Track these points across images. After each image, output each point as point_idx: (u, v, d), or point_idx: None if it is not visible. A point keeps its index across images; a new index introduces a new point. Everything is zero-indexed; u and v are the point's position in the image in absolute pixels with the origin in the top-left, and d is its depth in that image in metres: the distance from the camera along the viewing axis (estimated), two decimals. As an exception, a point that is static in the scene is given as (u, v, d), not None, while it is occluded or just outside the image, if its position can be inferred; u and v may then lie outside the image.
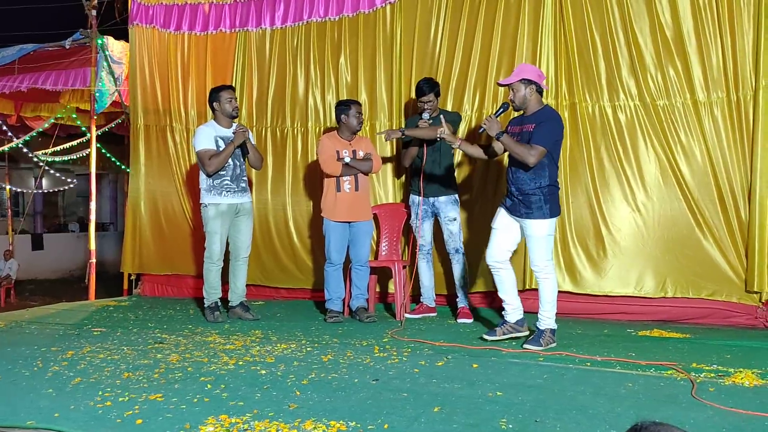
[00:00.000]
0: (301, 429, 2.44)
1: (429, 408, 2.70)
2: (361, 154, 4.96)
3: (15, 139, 10.76)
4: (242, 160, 5.00)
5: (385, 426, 2.48)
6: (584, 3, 5.13)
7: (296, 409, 2.68)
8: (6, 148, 10.90)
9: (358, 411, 2.66)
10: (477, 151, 4.36)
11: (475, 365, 3.47)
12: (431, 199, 4.98)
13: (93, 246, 7.28)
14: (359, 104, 5.08)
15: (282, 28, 6.10)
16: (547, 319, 3.97)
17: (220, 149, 4.83)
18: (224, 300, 5.18)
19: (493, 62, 5.39)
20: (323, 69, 5.97)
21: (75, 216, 20.46)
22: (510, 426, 2.48)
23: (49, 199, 19.94)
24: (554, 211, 3.96)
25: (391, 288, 5.61)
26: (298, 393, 2.93)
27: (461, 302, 4.97)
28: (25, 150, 11.00)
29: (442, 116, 4.64)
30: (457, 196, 5.02)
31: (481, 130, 4.07)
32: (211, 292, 5.02)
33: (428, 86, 4.87)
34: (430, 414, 2.62)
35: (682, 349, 3.90)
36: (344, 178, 4.93)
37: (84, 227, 18.87)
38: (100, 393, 2.90)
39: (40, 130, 10.37)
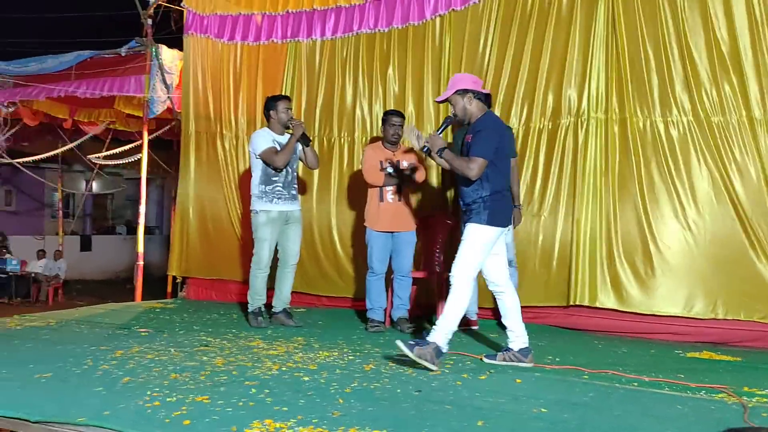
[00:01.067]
0: (345, 437, 2.45)
1: (473, 421, 2.67)
2: (404, 164, 4.98)
3: (69, 143, 11.12)
4: (294, 167, 5.07)
5: (429, 437, 2.47)
6: (638, 16, 5.06)
7: (340, 417, 2.69)
8: (60, 150, 11.25)
9: (401, 421, 2.65)
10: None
11: (518, 380, 3.42)
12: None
13: (141, 249, 7.45)
14: (401, 116, 5.01)
15: (332, 39, 6.18)
16: (436, 333, 3.69)
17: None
18: (267, 305, 5.23)
19: (542, 75, 5.36)
20: (371, 80, 6.02)
21: (123, 219, 20.98)
22: (556, 444, 2.44)
23: (99, 201, 20.49)
24: (493, 220, 3.73)
25: (432, 300, 5.59)
26: (341, 401, 2.94)
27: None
28: (79, 153, 11.36)
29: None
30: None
31: (425, 150, 3.91)
32: (256, 298, 5.08)
33: None
34: (474, 428, 2.60)
35: (733, 372, 3.79)
36: (387, 188, 4.95)
37: (131, 230, 19.34)
38: (149, 393, 2.96)
39: (93, 134, 10.69)
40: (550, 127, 5.34)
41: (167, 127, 9.75)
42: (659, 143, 5.00)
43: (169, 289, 7.81)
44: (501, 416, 2.76)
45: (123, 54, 8.25)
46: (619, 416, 2.82)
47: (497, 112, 5.49)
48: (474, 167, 3.70)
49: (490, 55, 5.58)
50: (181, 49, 7.32)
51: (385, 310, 5.09)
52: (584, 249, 5.11)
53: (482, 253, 3.77)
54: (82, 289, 14.41)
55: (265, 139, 4.96)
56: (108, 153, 10.36)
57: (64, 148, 11.06)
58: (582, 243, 5.12)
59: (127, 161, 10.34)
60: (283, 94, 5.62)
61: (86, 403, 2.78)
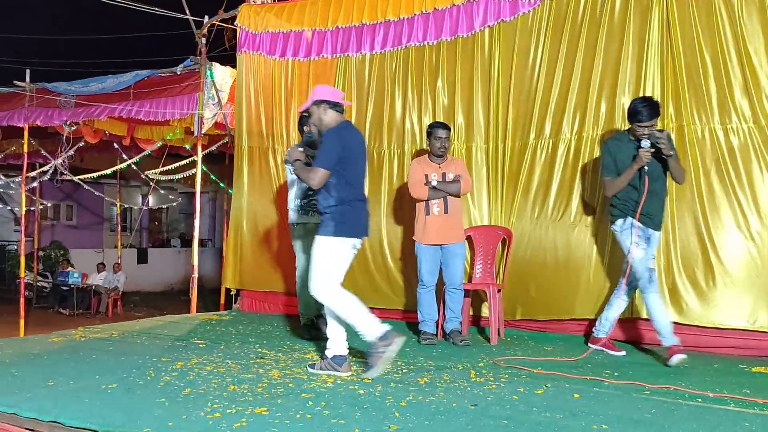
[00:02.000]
0: (403, 451, 2.45)
1: (531, 437, 2.64)
2: (450, 176, 4.97)
3: (127, 159, 11.51)
4: None
5: (487, 453, 2.45)
6: (694, 23, 4.94)
7: (397, 431, 2.69)
8: (121, 167, 11.63)
9: (458, 436, 2.64)
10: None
11: (576, 395, 3.36)
12: (649, 231, 4.43)
13: (196, 261, 7.63)
14: (446, 128, 5.05)
15: (381, 53, 6.23)
16: (333, 344, 3.79)
17: None
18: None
19: (594, 84, 5.29)
20: (420, 92, 6.04)
21: (177, 232, 21.54)
22: (618, 461, 2.39)
23: (154, 215, 21.08)
24: (341, 231, 3.75)
25: (485, 311, 5.55)
26: (397, 414, 2.94)
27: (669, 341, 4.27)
28: (136, 169, 11.73)
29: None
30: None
31: (286, 162, 4.00)
32: (309, 310, 5.13)
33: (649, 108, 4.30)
34: (532, 444, 2.57)
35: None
36: (433, 202, 4.97)
37: (185, 243, 19.84)
38: (209, 404, 3.03)
39: (150, 151, 11.03)
40: (603, 137, 5.25)
41: (221, 143, 10.01)
42: (719, 151, 4.87)
43: (222, 300, 7.97)
44: (560, 432, 2.72)
45: (178, 72, 8.51)
46: (684, 434, 2.74)
47: (548, 122, 5.45)
48: (314, 177, 3.75)
49: (540, 65, 5.53)
50: (233, 66, 7.50)
51: (437, 322, 5.07)
52: (640, 260, 4.99)
53: (336, 264, 3.79)
54: (140, 301, 14.84)
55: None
56: (164, 168, 10.66)
57: (124, 164, 11.45)
58: (639, 254, 4.99)
59: (182, 176, 10.61)
60: None
61: (151, 413, 2.87)
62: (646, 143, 4.26)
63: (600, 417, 2.94)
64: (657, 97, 5.04)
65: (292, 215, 5.13)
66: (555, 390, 3.48)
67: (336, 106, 3.94)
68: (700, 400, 3.33)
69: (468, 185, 5.06)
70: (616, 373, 3.90)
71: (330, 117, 3.92)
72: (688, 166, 4.95)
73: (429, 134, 5.10)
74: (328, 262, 3.79)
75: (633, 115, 4.36)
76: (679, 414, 3.06)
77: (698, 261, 4.88)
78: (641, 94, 5.10)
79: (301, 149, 4.01)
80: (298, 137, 6.59)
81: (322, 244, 3.79)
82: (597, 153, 5.26)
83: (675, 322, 4.85)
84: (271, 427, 2.70)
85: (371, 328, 3.76)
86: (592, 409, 3.10)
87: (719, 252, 4.79)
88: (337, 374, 3.75)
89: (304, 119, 5.17)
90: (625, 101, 5.17)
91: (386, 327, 3.78)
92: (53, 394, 3.22)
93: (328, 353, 3.86)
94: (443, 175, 4.98)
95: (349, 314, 3.78)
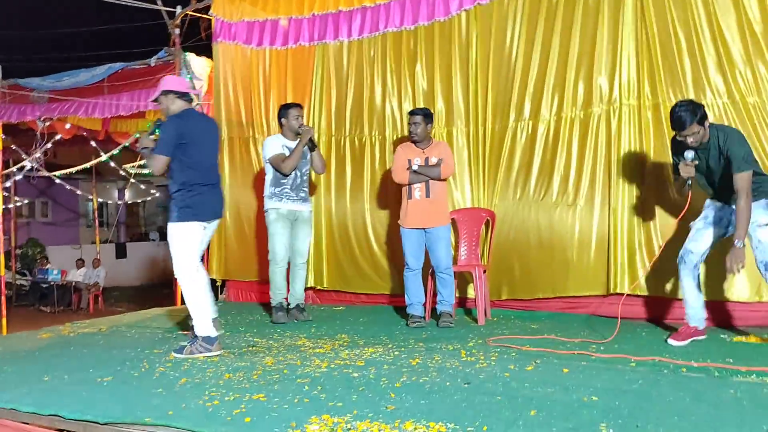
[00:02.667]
0: (402, 429, 2.51)
1: (525, 411, 2.71)
2: (433, 160, 5.01)
3: (102, 154, 11.37)
4: (304, 171, 5.31)
5: (484, 428, 2.52)
6: (666, 1, 5.03)
7: (394, 411, 2.75)
8: (95, 162, 11.50)
9: (454, 413, 2.70)
10: None
11: (565, 370, 3.45)
12: (731, 206, 4.10)
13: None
14: (420, 113, 5.07)
15: (359, 39, 6.24)
16: (197, 327, 3.94)
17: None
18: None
19: (572, 65, 5.35)
20: (400, 78, 6.07)
21: (155, 225, 21.37)
22: (611, 430, 2.47)
23: (131, 209, 20.89)
24: (183, 216, 3.92)
25: (471, 292, 5.64)
26: (393, 395, 3.00)
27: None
28: (113, 164, 11.60)
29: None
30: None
31: (140, 149, 4.14)
32: (277, 293, 5.32)
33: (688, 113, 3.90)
34: (527, 417, 2.65)
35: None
36: (414, 186, 5.02)
37: (163, 236, 19.69)
38: (206, 392, 3.06)
39: (126, 144, 10.91)
40: (582, 116, 5.33)
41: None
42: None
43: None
44: (552, 405, 2.80)
45: (152, 64, 8.43)
46: (672, 402, 2.84)
47: (527, 104, 5.52)
48: (153, 164, 3.92)
49: (517, 47, 5.58)
50: (210, 56, 7.45)
51: (425, 305, 5.14)
52: (622, 237, 5.10)
53: (187, 247, 3.95)
54: (120, 296, 14.74)
55: (274, 145, 5.30)
56: (142, 162, 10.56)
57: (100, 159, 11.32)
58: (620, 231, 5.11)
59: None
60: (297, 102, 5.74)
61: (149, 404, 2.89)
62: (688, 155, 4.02)
63: (590, 389, 3.03)
64: (633, 76, 5.15)
65: (267, 202, 5.32)
66: (545, 366, 3.57)
67: (184, 96, 4.09)
68: (684, 369, 3.43)
69: (449, 169, 5.08)
70: (602, 348, 4.00)
71: (177, 106, 4.06)
72: (665, 143, 5.05)
73: (409, 114, 5.19)
74: (180, 247, 3.95)
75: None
76: (665, 383, 3.16)
77: (677, 236, 4.99)
78: (617, 74, 5.19)
79: (152, 137, 4.13)
80: (278, 128, 6.61)
81: (171, 230, 3.98)
82: (578, 133, 5.34)
83: (658, 297, 5.01)
84: (270, 412, 2.74)
85: (205, 325, 3.95)
86: (582, 382, 3.19)
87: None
88: (210, 354, 3.91)
89: (282, 111, 5.37)
90: (602, 81, 5.26)
91: (217, 333, 3.99)
92: (50, 388, 3.23)
93: (197, 333, 4.01)
94: (426, 159, 5.03)
95: (193, 301, 3.97)
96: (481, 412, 2.72)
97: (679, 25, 5.00)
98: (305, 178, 5.38)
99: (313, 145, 5.32)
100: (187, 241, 3.94)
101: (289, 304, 5.40)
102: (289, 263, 5.37)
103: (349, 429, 2.52)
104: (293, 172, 5.26)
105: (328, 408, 2.80)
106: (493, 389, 3.08)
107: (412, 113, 5.11)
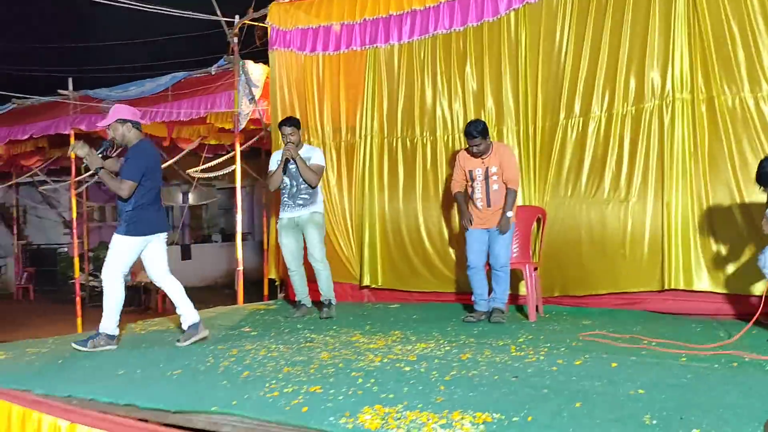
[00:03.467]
0: (450, 419, 2.63)
1: (571, 403, 2.79)
2: (494, 169, 5.06)
3: (168, 159, 11.88)
4: (301, 180, 5.51)
5: (529, 418, 2.61)
6: (719, -7, 4.97)
7: (443, 402, 2.88)
8: (162, 166, 11.98)
9: (501, 404, 2.81)
10: None
11: (614, 364, 3.50)
12: None
13: (240, 255, 7.90)
14: (476, 134, 4.98)
15: (409, 42, 6.37)
16: (104, 324, 4.44)
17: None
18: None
19: (623, 60, 5.34)
20: (450, 79, 6.17)
21: (217, 227, 22.03)
22: (654, 422, 2.53)
23: (194, 212, 21.58)
24: (132, 231, 4.41)
25: (523, 290, 5.69)
26: (442, 387, 3.12)
27: None
28: (177, 168, 12.09)
29: None
30: None
31: (94, 168, 4.39)
32: (297, 293, 5.82)
33: None
34: (572, 409, 2.73)
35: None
36: (476, 196, 5.12)
37: (225, 238, 20.29)
38: (267, 385, 3.26)
39: (189, 149, 11.36)
40: (633, 112, 5.31)
41: (256, 138, 10.26)
42: (750, 120, 4.90)
43: (266, 291, 8.24)
44: (598, 398, 2.87)
45: (213, 72, 8.76)
46: (719, 396, 2.86)
47: (578, 102, 5.53)
48: (125, 188, 4.34)
49: (567, 44, 5.61)
50: (265, 62, 7.72)
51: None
52: (676, 232, 5.07)
53: (125, 258, 4.45)
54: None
55: (273, 159, 5.75)
56: (205, 166, 10.97)
57: (166, 164, 11.79)
58: (674, 226, 5.08)
59: (222, 173, 10.91)
60: (348, 105, 6.31)
61: (215, 394, 3.10)
62: None
63: (637, 383, 3.08)
64: (686, 69, 5.10)
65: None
66: (593, 360, 3.62)
67: (137, 125, 4.52)
68: (735, 364, 3.43)
69: (515, 184, 5.05)
70: (653, 343, 4.01)
71: (134, 134, 4.50)
72: (720, 137, 5.00)
73: (465, 135, 5.10)
74: (119, 256, 4.44)
75: None
76: (714, 377, 3.18)
77: (734, 230, 4.93)
78: (670, 68, 5.16)
79: (99, 156, 4.44)
80: (333, 129, 6.82)
81: (117, 241, 4.45)
82: (630, 128, 5.32)
83: (712, 292, 4.96)
84: (326, 403, 2.91)
85: (111, 326, 4.48)
86: (630, 376, 3.24)
87: (756, 220, 4.83)
88: (109, 348, 4.41)
89: (279, 127, 5.64)
90: (654, 76, 5.23)
91: (113, 343, 4.48)
92: (124, 381, 3.50)
93: (184, 325, 4.59)
94: (486, 169, 5.06)
95: (110, 303, 4.46)
96: (527, 403, 2.82)
97: (732, 16, 4.94)
98: (302, 186, 5.52)
99: (288, 161, 5.51)
100: (126, 253, 4.46)
101: (302, 303, 5.79)
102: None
103: (399, 418, 2.65)
104: (290, 182, 5.53)
105: (380, 399, 2.95)
106: (541, 382, 3.17)
107: (470, 136, 4.98)
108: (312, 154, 5.63)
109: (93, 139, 11.33)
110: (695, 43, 5.08)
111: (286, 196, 5.59)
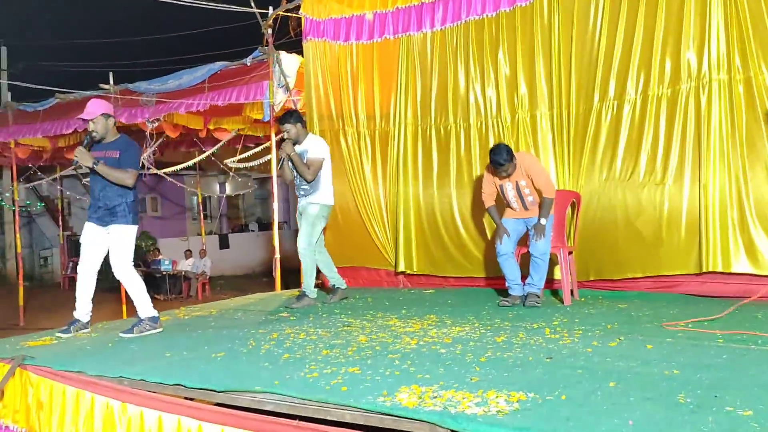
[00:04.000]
0: (485, 398, 2.70)
1: (605, 383, 2.84)
2: (523, 183, 5.08)
3: (205, 151, 12.12)
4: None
5: (563, 397, 2.66)
6: (756, -29, 4.88)
7: (478, 382, 2.95)
8: (201, 158, 12.25)
9: (535, 384, 2.86)
10: None
11: (649, 346, 3.52)
12: None
13: (277, 242, 8.06)
14: (503, 162, 4.98)
15: (442, 29, 6.40)
16: (143, 310, 4.66)
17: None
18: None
19: (658, 41, 5.29)
20: (482, 65, 6.19)
21: (254, 216, 22.40)
22: (688, 400, 2.56)
23: (232, 202, 21.97)
24: (136, 220, 4.71)
25: (558, 274, 5.70)
26: (477, 369, 3.19)
27: None
28: (214, 159, 12.33)
29: None
30: None
31: (74, 163, 4.58)
32: (328, 278, 6.05)
33: None
34: (606, 388, 2.77)
35: None
36: (513, 205, 5.21)
37: (262, 227, 20.62)
38: (307, 366, 3.37)
39: (226, 140, 11.58)
40: (669, 94, 5.27)
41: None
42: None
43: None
44: (632, 378, 2.90)
45: (248, 64, 8.90)
46: (754, 375, 2.87)
47: (612, 84, 5.50)
48: (132, 177, 4.62)
49: (600, 27, 5.57)
50: (298, 52, 7.82)
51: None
52: (714, 214, 5.03)
53: (133, 246, 4.70)
54: (225, 284, 15.62)
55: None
56: (241, 156, 11.17)
57: (204, 155, 12.06)
58: (711, 208, 5.04)
59: (258, 162, 11.09)
60: (382, 93, 6.52)
61: (258, 375, 3.23)
62: None
63: (672, 364, 3.10)
64: (722, 50, 5.03)
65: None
66: (628, 342, 3.65)
67: (113, 118, 4.78)
68: (773, 345, 3.42)
69: (546, 188, 5.03)
70: (690, 325, 4.01)
71: (113, 129, 4.76)
72: (758, 118, 4.93)
73: (492, 164, 5.05)
74: (130, 247, 4.68)
75: None
76: (750, 358, 3.18)
77: (773, 212, 4.87)
78: (706, 49, 5.09)
79: (84, 149, 4.60)
80: (368, 117, 6.90)
81: (126, 232, 4.64)
82: (666, 110, 5.28)
83: (752, 274, 4.92)
84: (364, 383, 3.00)
85: (149, 309, 4.72)
86: (665, 357, 3.26)
87: (794, 202, 4.78)
88: (156, 331, 4.64)
89: (285, 118, 5.67)
90: (690, 57, 5.17)
91: (157, 325, 4.71)
92: (171, 363, 3.65)
93: (142, 315, 4.70)
94: (516, 183, 5.10)
95: (139, 291, 4.67)
96: (561, 383, 2.87)
97: (770, -6, 4.85)
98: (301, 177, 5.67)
99: (282, 160, 5.65)
100: (133, 242, 4.72)
101: (336, 287, 5.97)
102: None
103: (435, 397, 2.73)
104: (294, 173, 5.67)
105: (417, 380, 3.03)
106: (575, 363, 3.21)
107: (497, 165, 4.96)
108: (310, 146, 5.63)
109: (134, 132, 11.65)
110: (732, 23, 5.01)
111: (297, 185, 5.75)
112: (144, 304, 4.69)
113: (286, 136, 5.58)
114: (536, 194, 5.12)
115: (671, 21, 5.24)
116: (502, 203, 5.29)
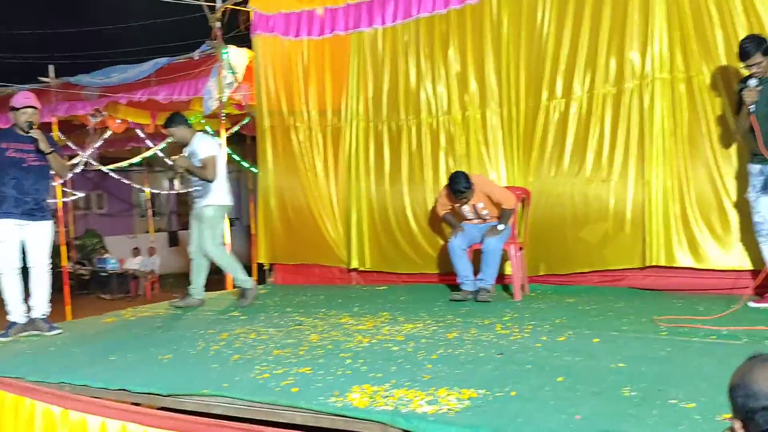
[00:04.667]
0: (436, 396, 2.71)
1: (553, 378, 2.88)
2: (480, 205, 5.23)
3: (152, 146, 11.83)
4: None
5: (513, 393, 2.70)
6: (697, -28, 5.02)
7: (430, 380, 2.95)
8: (148, 154, 11.95)
9: (486, 381, 2.89)
10: None
11: (596, 340, 3.59)
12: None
13: (228, 240, 7.93)
14: (463, 190, 5.13)
15: (393, 26, 6.37)
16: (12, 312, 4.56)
17: None
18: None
19: (603, 41, 5.39)
20: (433, 62, 6.19)
21: (205, 213, 21.99)
22: (633, 394, 2.62)
23: (182, 198, 21.50)
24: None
25: (509, 269, 5.77)
26: (429, 366, 3.20)
27: None
28: (162, 155, 12.05)
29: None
30: None
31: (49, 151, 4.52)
32: (192, 282, 5.74)
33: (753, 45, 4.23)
34: (554, 383, 2.81)
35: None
36: (466, 216, 5.34)
37: (213, 223, 20.23)
38: (257, 367, 3.32)
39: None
40: (614, 92, 5.37)
41: (243, 123, 10.25)
42: (727, 98, 4.97)
43: (255, 276, 8.26)
44: (580, 372, 2.96)
45: (196, 57, 8.73)
46: (696, 367, 2.96)
47: (559, 82, 5.58)
48: (64, 165, 4.71)
49: (548, 26, 5.64)
50: (249, 47, 7.70)
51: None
52: (657, 210, 5.16)
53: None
54: (175, 282, 15.29)
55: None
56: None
57: (150, 152, 11.77)
58: (654, 204, 5.17)
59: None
60: (333, 90, 6.52)
61: (206, 377, 3.16)
62: (752, 82, 4.28)
63: (617, 357, 3.17)
64: (665, 49, 5.16)
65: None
66: (576, 337, 3.71)
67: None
68: (714, 336, 3.54)
69: (505, 200, 5.20)
70: (632, 318, 4.11)
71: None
72: (699, 116, 5.08)
73: (453, 193, 5.19)
74: (51, 242, 4.69)
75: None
76: (692, 350, 3.28)
77: (713, 208, 5.03)
78: (649, 48, 5.22)
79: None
80: (319, 113, 6.84)
81: (49, 228, 4.67)
82: (611, 108, 5.39)
83: (693, 268, 5.07)
84: (315, 383, 2.97)
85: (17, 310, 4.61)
86: (611, 350, 3.33)
87: (732, 197, 4.93)
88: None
89: (169, 122, 5.50)
90: (634, 56, 5.29)
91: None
92: (116, 366, 3.55)
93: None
94: (474, 206, 5.27)
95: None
96: (510, 379, 2.90)
97: (710, -5, 4.99)
98: (194, 178, 5.50)
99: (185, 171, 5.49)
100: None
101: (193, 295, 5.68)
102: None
103: (387, 396, 2.73)
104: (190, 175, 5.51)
105: (369, 378, 3.02)
106: (525, 359, 3.26)
107: (459, 194, 5.12)
108: (199, 146, 5.41)
109: (77, 127, 11.28)
110: (674, 24, 5.14)
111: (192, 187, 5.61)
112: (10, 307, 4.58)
113: (173, 139, 5.40)
114: (493, 210, 5.28)
115: (616, 21, 5.35)
116: (457, 215, 5.48)
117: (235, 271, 5.64)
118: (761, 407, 1.26)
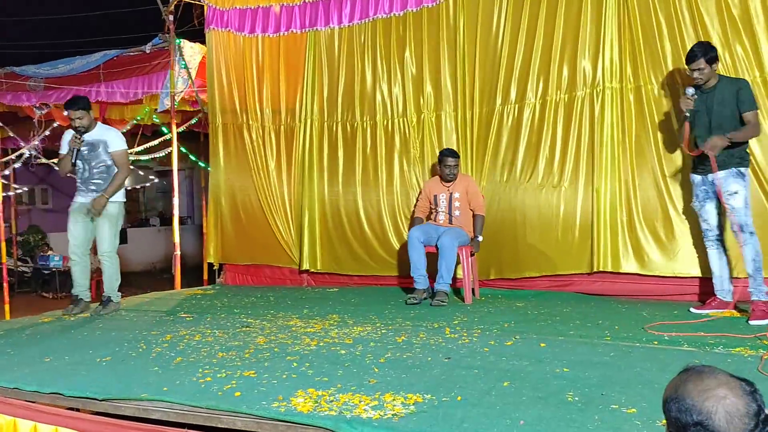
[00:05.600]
0: (381, 400, 2.68)
1: (499, 383, 2.88)
2: (456, 195, 5.37)
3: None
4: (93, 164, 5.09)
5: (458, 398, 2.68)
6: (648, -15, 5.13)
7: (376, 384, 2.92)
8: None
9: (432, 385, 2.87)
10: None
11: (542, 344, 3.62)
12: (710, 177, 4.39)
13: (177, 239, 7.76)
14: (456, 156, 5.44)
15: (349, 26, 6.34)
16: None
17: None
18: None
19: (556, 49, 5.46)
20: (389, 63, 6.18)
21: (155, 211, 21.49)
22: (576, 399, 2.63)
23: (131, 195, 20.98)
24: None
25: (460, 273, 5.79)
26: (376, 370, 3.17)
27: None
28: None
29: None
30: (741, 168, 4.30)
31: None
32: (77, 285, 5.38)
33: (700, 50, 4.34)
34: (500, 388, 2.81)
35: (753, 328, 3.92)
36: (440, 218, 5.46)
37: (164, 221, 19.81)
38: (200, 370, 3.23)
39: (124, 131, 11.02)
40: (566, 99, 5.45)
41: (194, 121, 10.04)
42: (675, 108, 5.09)
43: (206, 276, 8.12)
44: (525, 377, 2.96)
45: (148, 51, 8.51)
46: (638, 372, 3.00)
47: (513, 88, 5.63)
48: None
49: (503, 32, 5.69)
50: (203, 42, 7.54)
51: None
52: (605, 217, 5.25)
53: None
54: (122, 282, 14.90)
55: (64, 141, 5.20)
56: (140, 148, 10.67)
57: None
58: (603, 211, 5.26)
59: (158, 155, 10.65)
60: (288, 88, 6.44)
61: (146, 381, 3.06)
62: (689, 90, 4.41)
63: (563, 362, 3.20)
64: (615, 59, 5.26)
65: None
66: (523, 341, 3.73)
67: None
68: (656, 342, 3.60)
69: (481, 207, 5.44)
70: (578, 323, 4.16)
71: None
72: (646, 126, 5.19)
73: (440, 161, 5.46)
74: None
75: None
76: (635, 355, 3.33)
77: (658, 215, 5.14)
78: (601, 58, 5.30)
79: None
80: (273, 112, 6.75)
81: None
82: (563, 116, 5.47)
83: (639, 274, 5.17)
84: (259, 387, 2.91)
85: None
86: (557, 355, 3.36)
87: (677, 205, 5.05)
88: None
89: (71, 110, 5.04)
90: (586, 65, 5.37)
91: None
92: (51, 368, 3.40)
93: None
94: (450, 195, 5.40)
95: None
96: (457, 383, 2.89)
97: (660, 8, 5.11)
98: (96, 171, 5.09)
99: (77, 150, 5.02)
100: None
101: (80, 298, 5.31)
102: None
103: (332, 401, 2.68)
104: (82, 165, 5.07)
105: (314, 383, 2.97)
106: (472, 363, 3.25)
107: (449, 155, 5.42)
108: (108, 137, 5.10)
109: (21, 119, 10.88)
110: (624, 33, 5.24)
111: (79, 180, 5.16)
112: None
113: (77, 123, 4.95)
114: (463, 211, 5.41)
115: (569, 29, 5.43)
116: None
117: (118, 280, 5.35)
118: (693, 422, 1.26)
